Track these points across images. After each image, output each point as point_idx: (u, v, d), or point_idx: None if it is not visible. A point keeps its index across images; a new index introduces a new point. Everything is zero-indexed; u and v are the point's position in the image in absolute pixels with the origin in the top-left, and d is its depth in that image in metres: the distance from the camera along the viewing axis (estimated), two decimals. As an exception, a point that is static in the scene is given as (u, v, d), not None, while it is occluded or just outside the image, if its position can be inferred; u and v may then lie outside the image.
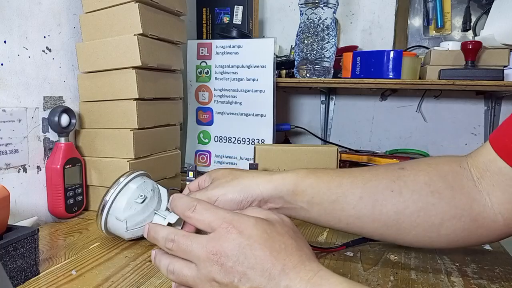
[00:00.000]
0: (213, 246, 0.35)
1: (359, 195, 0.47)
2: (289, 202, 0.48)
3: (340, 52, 1.10)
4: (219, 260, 0.35)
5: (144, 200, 0.54)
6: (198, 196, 0.47)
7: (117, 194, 0.54)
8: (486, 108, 1.17)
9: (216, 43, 1.05)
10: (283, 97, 1.32)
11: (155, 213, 0.50)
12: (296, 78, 1.06)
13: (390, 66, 0.97)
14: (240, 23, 1.12)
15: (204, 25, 1.16)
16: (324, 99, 1.29)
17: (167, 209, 0.52)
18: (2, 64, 0.62)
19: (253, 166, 0.73)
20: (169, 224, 0.48)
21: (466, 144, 1.19)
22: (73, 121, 0.71)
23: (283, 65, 1.11)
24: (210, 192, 0.48)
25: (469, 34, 1.16)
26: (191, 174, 0.77)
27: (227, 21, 1.13)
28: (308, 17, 1.01)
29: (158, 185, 0.60)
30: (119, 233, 0.56)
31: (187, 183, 0.69)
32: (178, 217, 0.47)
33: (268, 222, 0.37)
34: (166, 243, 0.38)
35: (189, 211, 0.39)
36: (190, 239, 0.37)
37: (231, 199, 0.47)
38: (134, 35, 0.69)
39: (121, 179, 0.56)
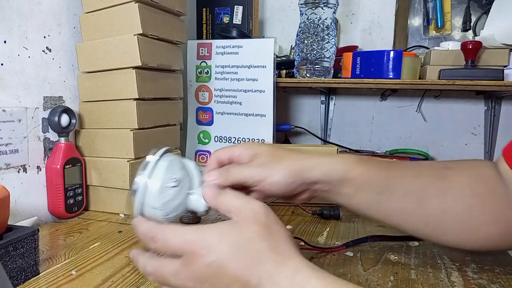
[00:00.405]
0: (185, 275, 0.34)
1: (405, 189, 0.46)
2: (336, 187, 0.47)
3: (340, 52, 1.10)
4: (195, 286, 0.34)
5: (176, 185, 0.46)
6: (241, 172, 0.45)
7: (146, 185, 0.46)
8: (486, 108, 1.17)
9: (216, 43, 1.05)
10: (283, 97, 1.32)
11: (189, 194, 0.46)
12: (296, 78, 1.06)
13: (390, 66, 0.97)
14: (240, 23, 1.12)
15: (204, 25, 1.16)
16: (324, 99, 1.29)
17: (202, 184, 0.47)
18: (2, 64, 0.62)
19: None
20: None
21: (466, 144, 1.19)
22: (73, 121, 0.71)
23: (283, 65, 1.11)
24: (256, 170, 0.45)
25: (469, 34, 1.16)
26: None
27: (227, 21, 1.13)
28: (308, 17, 1.01)
29: (185, 160, 0.52)
30: (157, 219, 0.49)
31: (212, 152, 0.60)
32: None
33: (234, 230, 0.35)
34: (147, 273, 0.38)
35: (151, 242, 0.37)
36: (163, 268, 0.36)
37: (279, 181, 0.45)
38: (134, 35, 0.69)
39: (148, 163, 0.46)
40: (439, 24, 1.16)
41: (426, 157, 1.15)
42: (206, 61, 1.06)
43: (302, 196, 0.49)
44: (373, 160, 0.50)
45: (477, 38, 0.98)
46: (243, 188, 0.46)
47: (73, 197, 0.70)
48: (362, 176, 0.47)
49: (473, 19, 1.14)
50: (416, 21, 1.21)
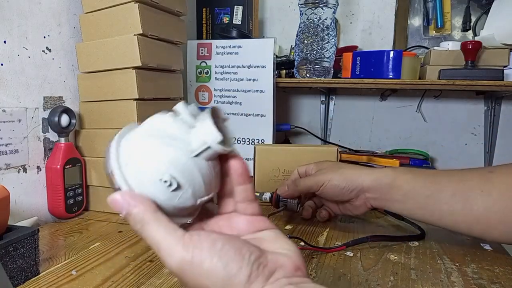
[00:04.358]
0: None
1: (451, 192, 0.52)
2: (385, 194, 0.55)
3: (340, 52, 1.10)
4: None
5: (176, 186, 0.31)
6: (307, 181, 0.59)
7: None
8: (486, 108, 1.17)
9: (216, 43, 1.05)
10: (283, 97, 1.32)
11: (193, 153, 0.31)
12: (296, 78, 1.06)
13: (390, 66, 0.97)
14: (240, 23, 1.12)
15: (204, 25, 1.16)
16: (324, 99, 1.29)
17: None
18: (2, 64, 0.62)
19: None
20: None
21: (466, 144, 1.19)
22: (73, 121, 0.71)
23: (283, 65, 1.11)
24: (318, 177, 0.58)
25: (469, 34, 1.16)
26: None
27: (227, 21, 1.13)
28: (308, 17, 1.01)
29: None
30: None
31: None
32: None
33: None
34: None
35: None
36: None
37: (336, 185, 0.56)
38: (134, 35, 0.69)
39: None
40: (439, 24, 1.16)
41: (426, 157, 1.14)
42: (206, 61, 1.06)
43: (356, 202, 0.58)
44: (421, 169, 0.57)
45: (477, 38, 0.98)
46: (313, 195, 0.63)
47: (73, 197, 0.70)
48: (409, 183, 0.54)
49: (473, 19, 1.14)
50: (416, 21, 1.21)
